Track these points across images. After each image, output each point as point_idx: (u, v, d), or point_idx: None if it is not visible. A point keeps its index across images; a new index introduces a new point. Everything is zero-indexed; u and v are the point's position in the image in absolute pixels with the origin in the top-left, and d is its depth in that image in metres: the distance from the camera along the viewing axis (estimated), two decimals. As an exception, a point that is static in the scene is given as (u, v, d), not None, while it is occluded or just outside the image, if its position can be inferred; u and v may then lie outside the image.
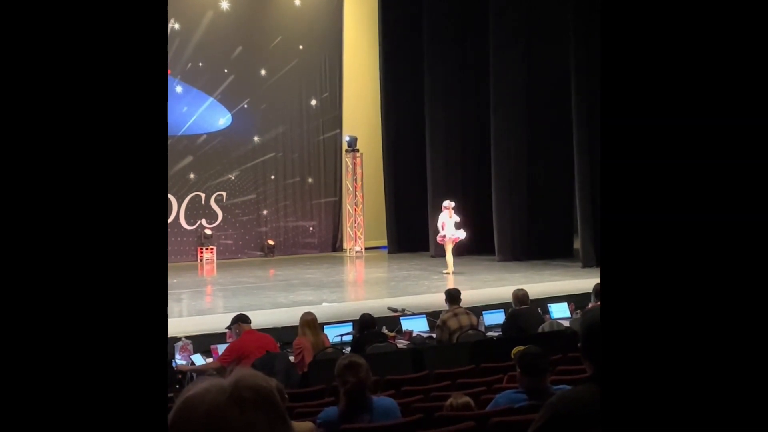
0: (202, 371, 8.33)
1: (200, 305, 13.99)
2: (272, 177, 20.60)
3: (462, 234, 16.51)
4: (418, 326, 10.10)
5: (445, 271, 16.46)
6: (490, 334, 9.79)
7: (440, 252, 19.00)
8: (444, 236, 16.46)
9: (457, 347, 8.87)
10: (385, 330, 9.60)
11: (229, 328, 8.92)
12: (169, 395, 8.02)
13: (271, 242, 20.37)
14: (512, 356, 6.70)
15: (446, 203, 16.73)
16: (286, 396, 5.14)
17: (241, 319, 8.76)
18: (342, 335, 9.44)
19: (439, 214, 16.79)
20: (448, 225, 16.45)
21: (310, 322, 8.70)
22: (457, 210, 16.37)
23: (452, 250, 16.55)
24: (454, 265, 16.48)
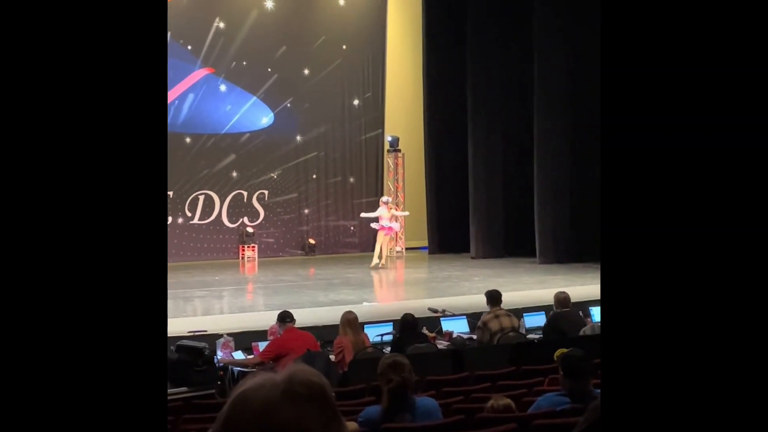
0: (243, 366, 8.37)
1: (241, 303, 14.07)
2: (314, 176, 20.66)
3: (397, 226, 17.92)
4: (458, 327, 10.08)
5: (375, 263, 17.32)
6: (530, 336, 9.74)
7: (480, 253, 18.98)
8: (381, 226, 17.51)
9: (498, 349, 8.83)
10: (425, 330, 9.58)
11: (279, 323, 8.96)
12: (212, 391, 8.09)
13: (312, 241, 20.43)
14: (555, 359, 6.65)
15: (384, 199, 17.98)
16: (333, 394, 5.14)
17: (281, 318, 8.79)
18: (382, 335, 9.43)
19: (378, 209, 17.87)
20: (386, 217, 17.53)
21: (351, 322, 8.71)
22: (499, 213, 16.42)
23: (386, 242, 17.72)
24: (380, 257, 17.53)
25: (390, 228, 17.59)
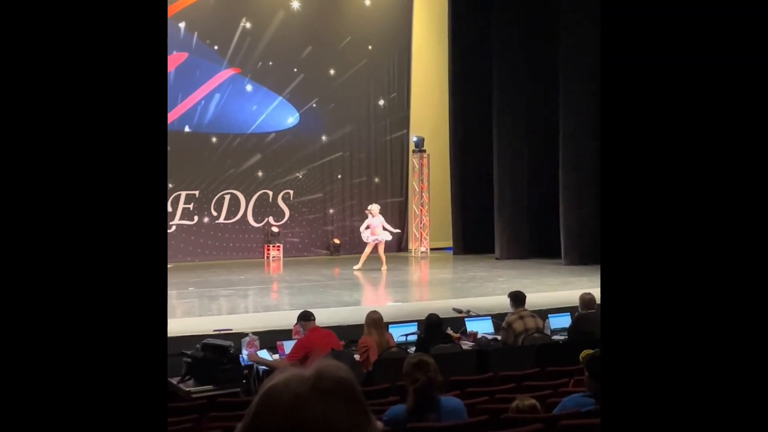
0: (272, 367, 8.40)
1: (266, 302, 14.12)
2: (339, 176, 20.70)
3: (389, 236, 17.60)
4: (483, 328, 10.05)
5: (355, 268, 17.21)
6: (555, 337, 9.70)
7: (504, 254, 18.93)
8: (376, 239, 17.34)
9: (523, 350, 8.81)
10: (449, 331, 9.57)
11: (298, 324, 8.98)
12: (237, 389, 8.13)
13: (337, 241, 20.47)
14: (581, 360, 6.64)
15: (370, 207, 17.88)
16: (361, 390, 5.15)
17: (304, 317, 8.81)
18: (407, 335, 9.43)
19: (367, 219, 17.75)
20: (375, 225, 17.39)
21: (376, 321, 8.72)
22: (524, 213, 16.33)
23: (374, 250, 17.44)
24: (364, 265, 17.29)
25: (381, 241, 17.42)
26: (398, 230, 18.98)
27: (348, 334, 9.66)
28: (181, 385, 8.18)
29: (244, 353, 8.86)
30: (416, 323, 9.79)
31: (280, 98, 19.94)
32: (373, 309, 9.19)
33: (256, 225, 19.83)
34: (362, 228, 17.71)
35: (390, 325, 9.48)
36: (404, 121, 21.40)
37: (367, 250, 17.41)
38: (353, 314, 10.99)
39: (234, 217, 19.60)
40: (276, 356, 8.86)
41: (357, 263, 17.33)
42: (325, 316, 10.71)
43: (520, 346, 8.98)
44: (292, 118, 20.16)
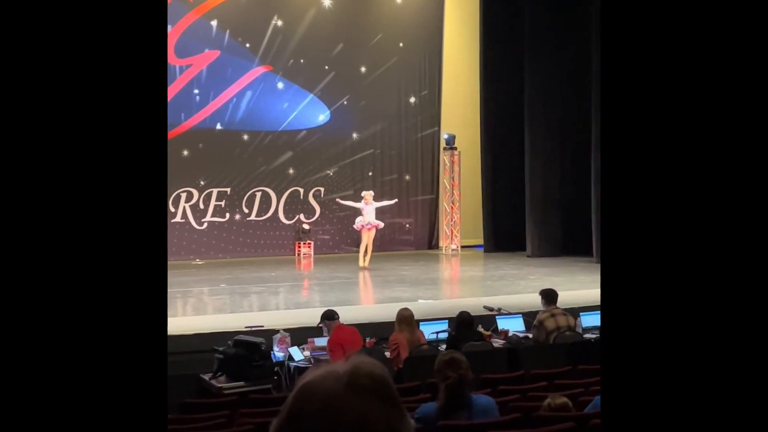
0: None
1: (297, 299, 14.17)
2: (370, 173, 20.71)
3: (380, 223, 17.40)
4: (514, 326, 10.02)
5: (361, 265, 16.91)
6: (587, 335, 9.64)
7: (536, 252, 18.86)
8: (363, 224, 17.14)
9: (554, 348, 8.78)
10: (480, 329, 9.55)
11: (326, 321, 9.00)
12: (268, 386, 8.16)
13: (367, 238, 20.48)
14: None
15: (364, 193, 17.65)
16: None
17: (328, 317, 8.80)
18: (438, 332, 9.42)
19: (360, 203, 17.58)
20: (368, 212, 17.15)
21: (407, 318, 8.72)
22: (556, 211, 16.21)
23: (372, 241, 17.23)
24: (371, 261, 17.12)
25: (374, 225, 17.25)
26: (394, 200, 18.97)
27: (379, 331, 9.67)
28: (213, 382, 8.23)
29: (276, 350, 8.90)
30: (447, 321, 9.78)
31: (311, 96, 19.98)
32: (403, 306, 9.19)
33: (287, 222, 19.90)
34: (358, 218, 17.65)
35: (421, 323, 9.47)
36: (435, 119, 21.36)
37: (363, 241, 17.24)
38: (384, 311, 10.99)
39: (265, 214, 19.68)
40: (307, 353, 8.88)
41: (373, 262, 17.23)
42: (354, 314, 10.73)
43: (552, 344, 8.94)
44: (323, 116, 20.20)
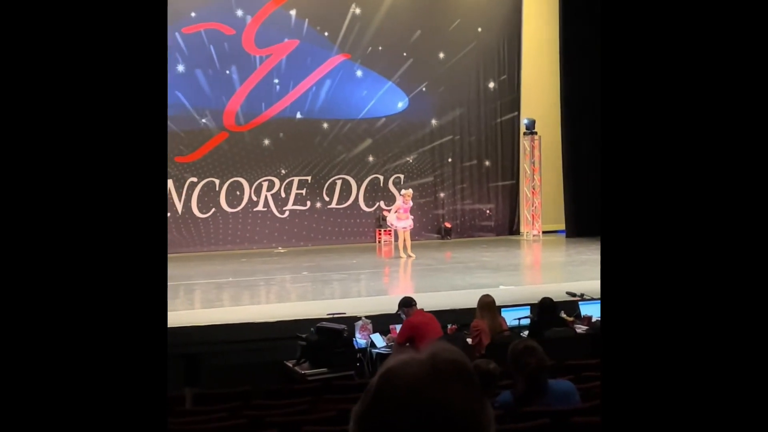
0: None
1: (378, 286, 14.23)
2: (449, 160, 20.68)
3: (410, 224, 17.15)
4: (597, 312, 9.89)
5: (403, 257, 16.68)
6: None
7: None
8: (398, 226, 17.03)
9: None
10: (563, 315, 9.47)
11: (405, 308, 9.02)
12: (350, 372, 8.23)
13: (448, 225, 20.47)
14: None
15: (404, 192, 17.62)
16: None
17: (405, 304, 8.76)
18: (519, 318, 9.37)
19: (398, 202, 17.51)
20: (404, 211, 17.03)
21: (488, 305, 8.68)
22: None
23: (408, 236, 17.00)
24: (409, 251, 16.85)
25: (409, 227, 17.11)
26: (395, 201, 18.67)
27: (460, 317, 9.66)
28: (297, 368, 8.33)
29: (358, 337, 8.97)
30: (529, 307, 9.71)
31: (390, 83, 20.02)
32: (485, 293, 9.16)
33: (367, 209, 20.00)
34: (392, 212, 17.56)
35: (502, 309, 9.43)
36: (515, 104, 21.20)
37: (401, 236, 17.09)
38: (466, 298, 10.97)
39: (345, 202, 19.81)
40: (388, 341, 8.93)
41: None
42: (436, 300, 10.73)
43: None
44: (401, 103, 20.22)
